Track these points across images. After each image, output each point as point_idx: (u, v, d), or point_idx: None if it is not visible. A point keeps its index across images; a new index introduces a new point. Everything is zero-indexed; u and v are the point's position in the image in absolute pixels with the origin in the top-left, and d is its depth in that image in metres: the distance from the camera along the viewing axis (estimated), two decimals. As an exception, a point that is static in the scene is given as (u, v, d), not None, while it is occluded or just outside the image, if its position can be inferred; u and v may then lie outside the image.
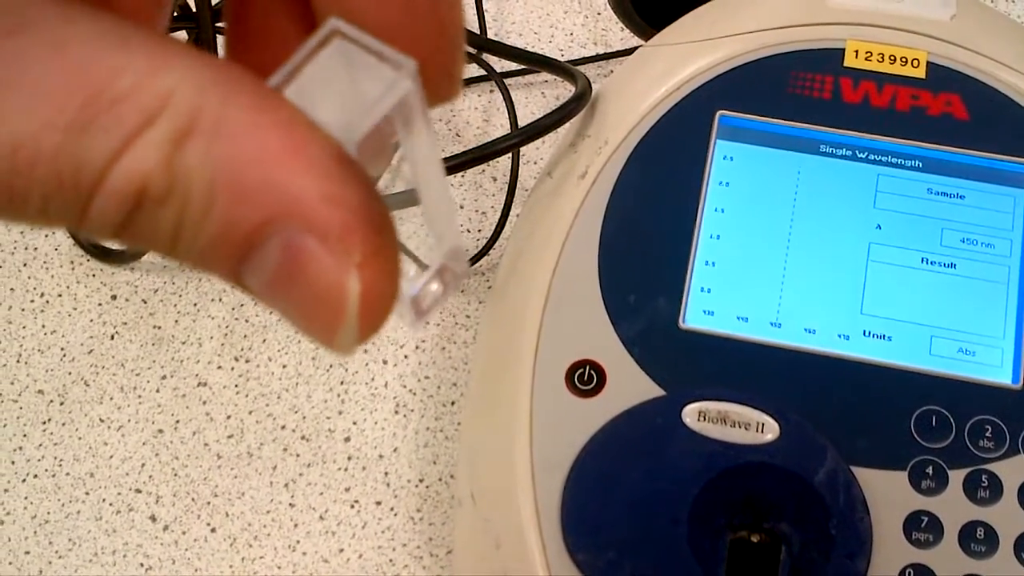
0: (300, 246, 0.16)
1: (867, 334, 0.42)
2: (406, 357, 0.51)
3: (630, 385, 0.41)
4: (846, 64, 0.45)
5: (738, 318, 0.42)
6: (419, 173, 0.19)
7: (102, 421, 0.51)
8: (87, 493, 0.49)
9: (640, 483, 0.39)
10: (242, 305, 0.52)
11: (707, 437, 0.40)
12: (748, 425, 0.40)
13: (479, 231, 0.54)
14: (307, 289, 0.16)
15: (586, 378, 0.41)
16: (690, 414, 0.40)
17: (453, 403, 0.49)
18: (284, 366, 0.50)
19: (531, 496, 0.39)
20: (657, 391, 0.41)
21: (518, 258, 0.46)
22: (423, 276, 0.20)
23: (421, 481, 0.48)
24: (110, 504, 0.49)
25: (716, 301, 0.43)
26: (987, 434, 0.39)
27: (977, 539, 0.38)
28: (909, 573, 0.37)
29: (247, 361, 0.51)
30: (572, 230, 0.44)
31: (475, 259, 0.52)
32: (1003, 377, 0.40)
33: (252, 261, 0.16)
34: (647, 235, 0.44)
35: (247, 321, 0.52)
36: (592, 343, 0.42)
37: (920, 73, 0.45)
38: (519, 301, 0.44)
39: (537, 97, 0.57)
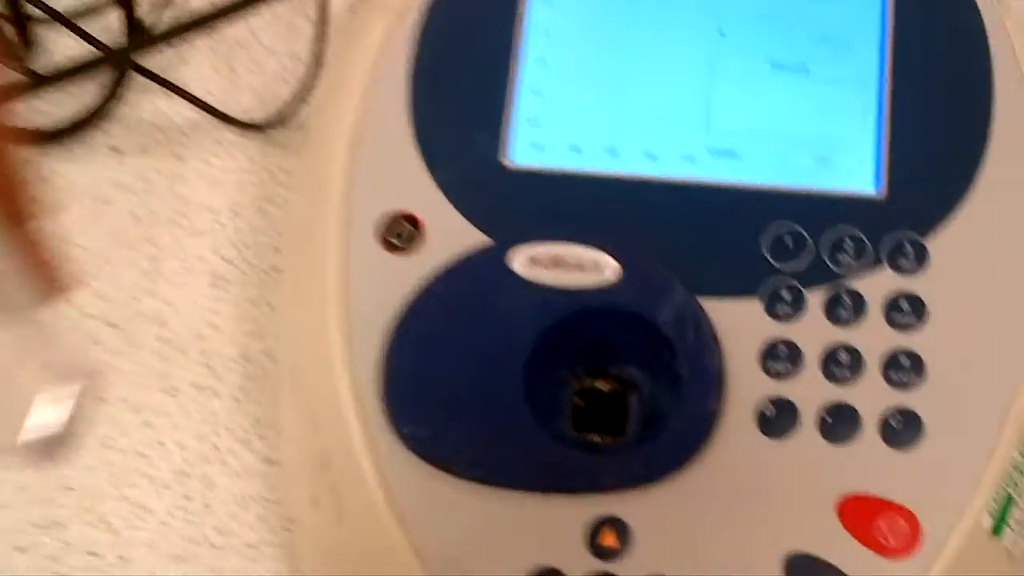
0: None
1: (714, 152, 0.37)
2: (221, 224, 0.45)
3: (451, 235, 0.36)
4: None
5: (570, 148, 0.38)
6: None
7: None
8: None
9: (469, 343, 0.35)
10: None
11: (540, 284, 0.35)
12: (584, 266, 0.35)
13: (297, 79, 0.48)
14: None
15: (402, 232, 0.36)
16: (519, 261, 0.35)
17: (276, 269, 0.44)
18: (84, 248, 0.45)
19: (347, 368, 0.35)
20: (482, 239, 0.36)
21: (323, 103, 0.40)
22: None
23: (245, 358, 0.43)
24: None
25: (545, 132, 0.38)
26: (847, 248, 0.35)
27: (840, 363, 0.34)
28: (768, 409, 0.33)
29: (44, 251, 0.45)
30: (377, 64, 0.39)
31: (294, 109, 0.46)
32: (864, 185, 0.36)
33: None
34: (464, 65, 0.39)
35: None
36: (406, 192, 0.37)
37: None
38: (323, 152, 0.38)
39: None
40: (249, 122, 0.47)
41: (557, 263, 0.35)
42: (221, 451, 0.41)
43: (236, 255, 0.45)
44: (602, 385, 0.36)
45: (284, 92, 0.47)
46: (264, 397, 0.42)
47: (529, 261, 0.35)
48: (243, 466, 0.41)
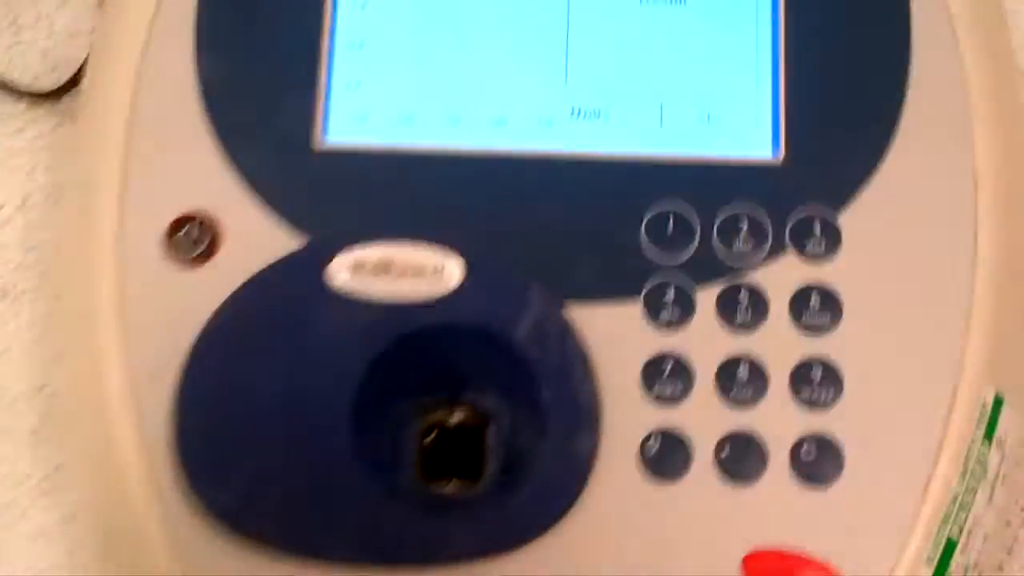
0: None
1: (576, 114, 0.30)
2: (7, 220, 0.38)
3: (255, 238, 0.29)
4: None
5: (400, 120, 0.30)
6: None
7: None
8: None
9: (281, 377, 0.28)
10: None
11: (367, 298, 0.28)
12: (422, 271, 0.28)
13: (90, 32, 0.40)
14: None
15: (194, 237, 0.29)
16: (340, 269, 0.28)
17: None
18: None
19: (130, 415, 0.28)
20: (295, 242, 0.28)
21: (94, 70, 0.32)
22: None
23: (42, 388, 0.35)
24: None
25: (368, 100, 0.30)
26: (742, 232, 0.28)
27: (740, 381, 0.27)
28: (654, 444, 0.27)
29: None
30: (156, 23, 0.30)
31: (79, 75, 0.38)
32: (759, 150, 0.29)
33: None
34: (264, 16, 0.31)
35: None
36: (198, 187, 0.29)
37: None
38: (92, 136, 0.30)
39: None
40: (38, 91, 0.39)
41: (388, 268, 0.28)
42: (16, 509, 0.34)
43: (27, 258, 0.37)
44: (454, 418, 0.29)
45: (80, 52, 0.39)
46: (69, 435, 0.34)
47: (353, 267, 0.28)
48: (41, 527, 0.33)
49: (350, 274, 0.28)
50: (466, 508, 0.28)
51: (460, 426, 0.29)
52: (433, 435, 0.29)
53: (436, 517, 0.27)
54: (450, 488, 0.28)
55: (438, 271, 0.28)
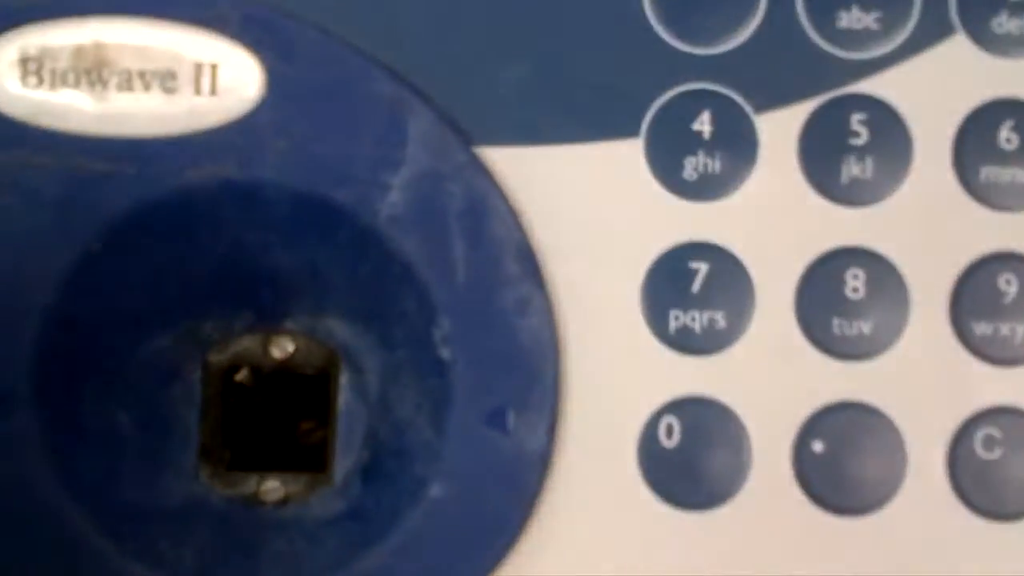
0: None
1: None
2: None
3: None
4: None
5: None
6: None
7: None
8: None
9: None
10: None
11: (65, 130, 0.13)
12: (172, 75, 0.13)
13: None
14: None
15: None
16: (4, 65, 0.13)
17: None
18: None
19: None
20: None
21: None
22: None
23: None
24: None
25: None
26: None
27: (848, 300, 0.14)
28: (670, 427, 0.13)
29: None
30: None
31: None
32: None
33: None
34: None
35: None
36: None
37: None
38: None
39: None
40: None
41: (100, 69, 0.13)
42: None
43: None
44: (274, 352, 0.14)
45: None
46: None
47: (22, 67, 0.13)
48: None
49: (27, 80, 0.13)
50: (295, 540, 0.14)
51: (284, 369, 0.14)
52: (240, 379, 0.14)
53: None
54: (267, 492, 0.14)
55: (205, 76, 0.13)
